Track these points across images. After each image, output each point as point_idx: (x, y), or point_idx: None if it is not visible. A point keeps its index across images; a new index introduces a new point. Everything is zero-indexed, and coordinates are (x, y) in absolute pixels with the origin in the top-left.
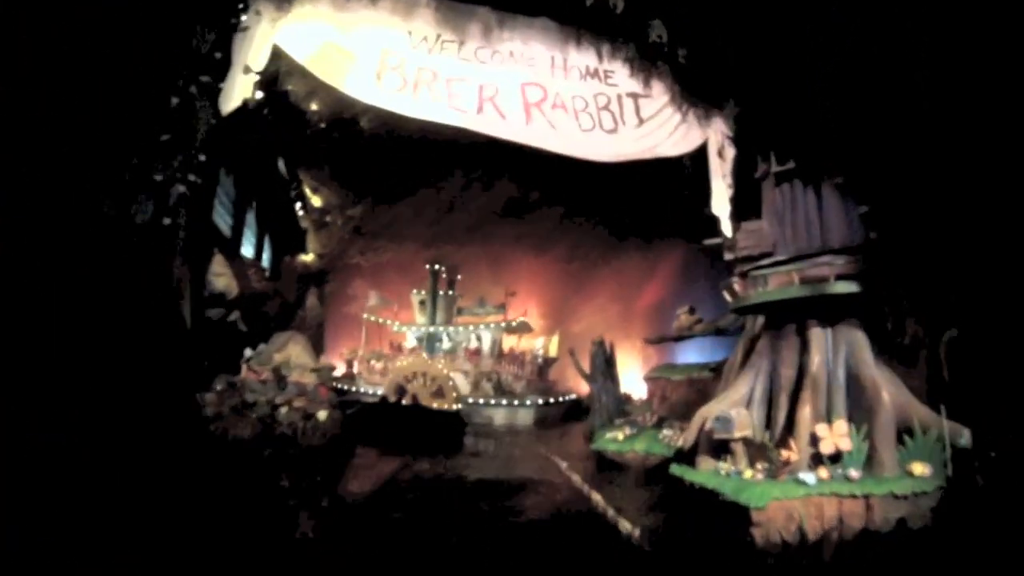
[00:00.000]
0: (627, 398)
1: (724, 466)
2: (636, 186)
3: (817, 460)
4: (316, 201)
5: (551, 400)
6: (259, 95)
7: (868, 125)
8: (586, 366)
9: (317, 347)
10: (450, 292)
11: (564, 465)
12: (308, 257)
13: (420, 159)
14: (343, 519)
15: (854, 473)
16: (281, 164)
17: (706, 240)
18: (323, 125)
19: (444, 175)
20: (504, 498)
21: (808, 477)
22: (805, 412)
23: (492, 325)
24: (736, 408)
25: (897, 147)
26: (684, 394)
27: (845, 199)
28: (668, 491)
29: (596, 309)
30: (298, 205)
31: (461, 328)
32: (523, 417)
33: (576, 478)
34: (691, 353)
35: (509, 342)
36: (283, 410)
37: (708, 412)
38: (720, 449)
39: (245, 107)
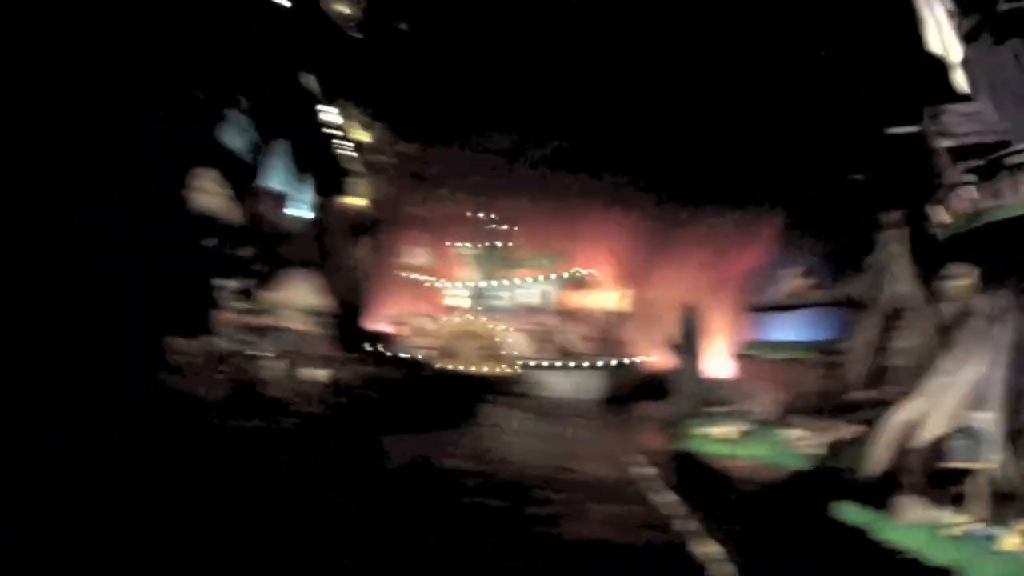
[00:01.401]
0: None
1: (954, 519)
2: (733, 141)
3: None
4: (363, 137)
5: (625, 362)
6: None
7: None
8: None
9: (364, 305)
10: (504, 244)
11: (642, 462)
12: (361, 202)
13: (481, 94)
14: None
15: None
16: (311, 81)
17: (894, 128)
18: (359, 34)
19: (509, 115)
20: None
21: None
22: None
23: (554, 277)
24: (978, 415)
25: None
26: (804, 380)
27: None
28: (819, 539)
29: (679, 274)
30: (344, 143)
31: (518, 281)
32: (593, 384)
33: (655, 495)
34: (785, 329)
35: (575, 300)
36: (272, 367)
37: (912, 416)
38: (937, 484)
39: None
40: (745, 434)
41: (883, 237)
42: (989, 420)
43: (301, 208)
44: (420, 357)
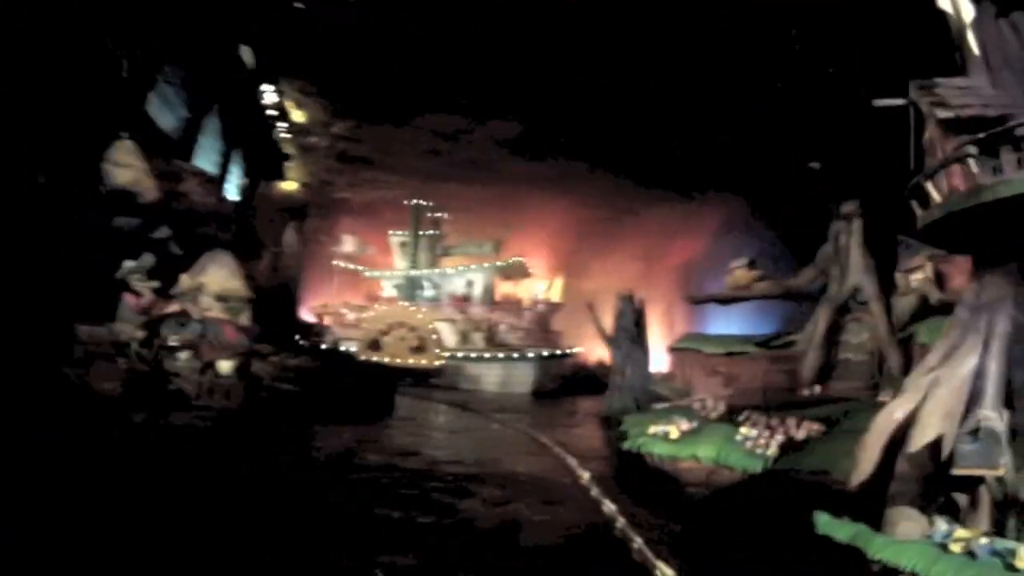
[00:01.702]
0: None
1: (958, 533)
2: (676, 127)
3: None
4: (298, 117)
5: (556, 353)
6: None
7: None
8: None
9: (294, 295)
10: (435, 232)
11: (574, 463)
12: (289, 185)
13: (420, 70)
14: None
15: None
16: (247, 53)
17: (879, 100)
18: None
19: (447, 98)
20: (481, 505)
21: None
22: None
23: (485, 266)
24: (987, 413)
25: None
26: (751, 374)
27: None
28: (797, 556)
29: (614, 265)
30: (277, 122)
31: (448, 271)
32: (521, 376)
33: (595, 490)
34: (726, 322)
35: (505, 289)
36: (180, 356)
37: (902, 416)
38: (932, 495)
39: None
40: (689, 432)
41: (835, 227)
42: (998, 419)
43: (228, 189)
44: (343, 348)
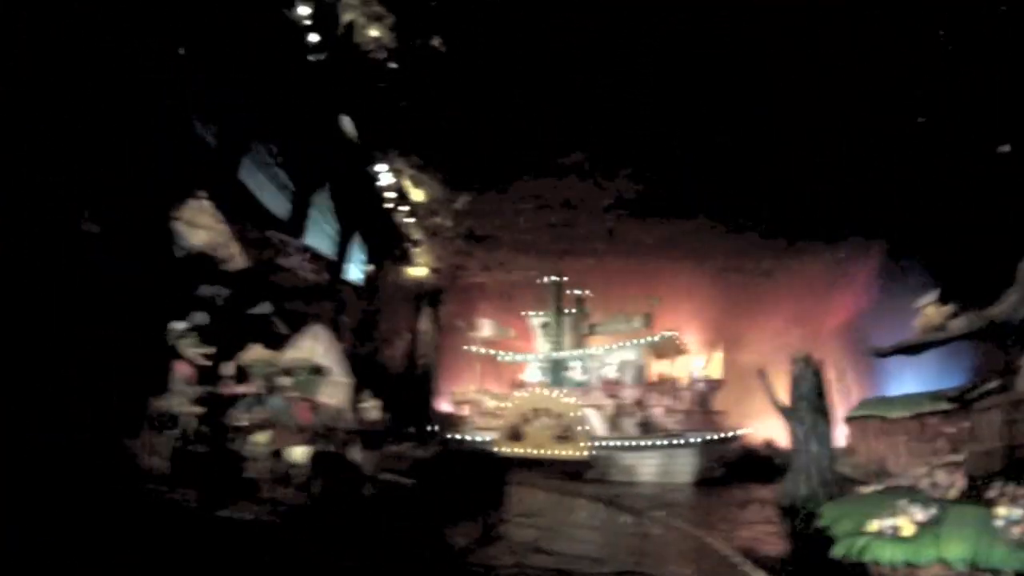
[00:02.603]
0: None
1: None
2: (812, 171)
3: None
4: (417, 195)
5: (720, 436)
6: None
7: None
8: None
9: (429, 384)
10: (579, 310)
11: None
12: (420, 271)
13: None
14: None
15: None
16: (347, 124)
17: None
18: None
19: (557, 156)
20: None
21: None
22: None
23: (635, 343)
24: None
25: None
26: (988, 431)
27: None
28: None
29: (772, 332)
30: (400, 207)
31: (595, 350)
32: (681, 465)
33: None
34: (895, 383)
35: (658, 368)
36: (255, 439)
37: None
38: None
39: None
40: (928, 523)
41: None
42: None
43: (349, 272)
44: (480, 439)
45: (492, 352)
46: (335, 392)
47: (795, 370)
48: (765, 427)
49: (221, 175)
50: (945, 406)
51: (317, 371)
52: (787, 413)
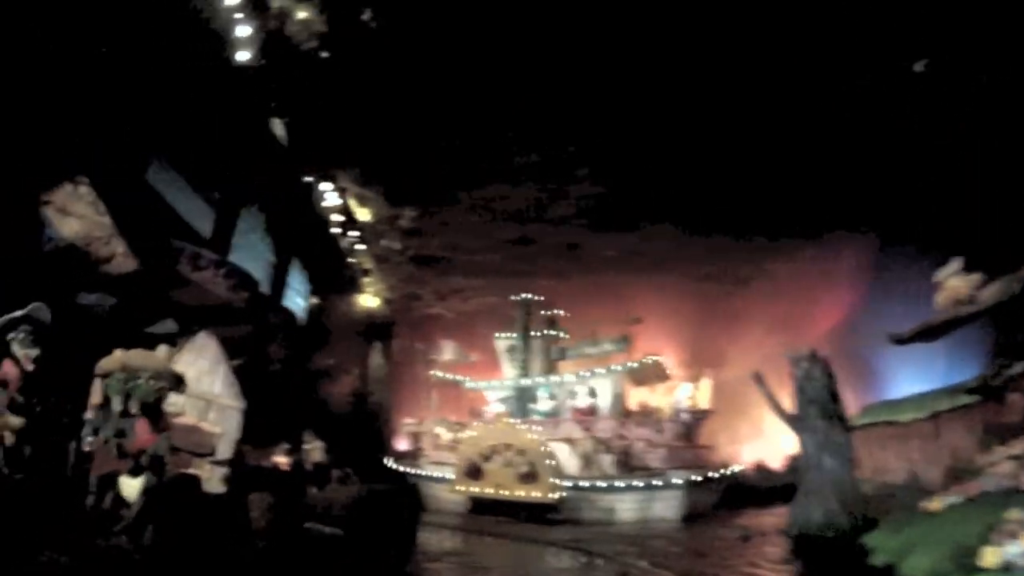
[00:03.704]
0: None
1: None
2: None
3: None
4: (363, 214)
5: (709, 476)
6: None
7: None
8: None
9: (379, 420)
10: (549, 331)
11: None
12: (371, 302)
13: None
14: None
15: None
16: (279, 127)
17: None
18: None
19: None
20: None
21: None
22: None
23: (611, 368)
24: None
25: None
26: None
27: None
28: None
29: (754, 343)
30: (340, 220)
31: (566, 377)
32: (664, 507)
33: None
34: (894, 385)
35: (638, 397)
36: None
37: None
38: None
39: None
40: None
41: None
42: None
43: (289, 304)
44: (436, 475)
45: (452, 377)
46: (221, 419)
47: (799, 371)
48: (754, 449)
49: (116, 166)
50: (966, 400)
51: (179, 381)
52: (794, 422)
